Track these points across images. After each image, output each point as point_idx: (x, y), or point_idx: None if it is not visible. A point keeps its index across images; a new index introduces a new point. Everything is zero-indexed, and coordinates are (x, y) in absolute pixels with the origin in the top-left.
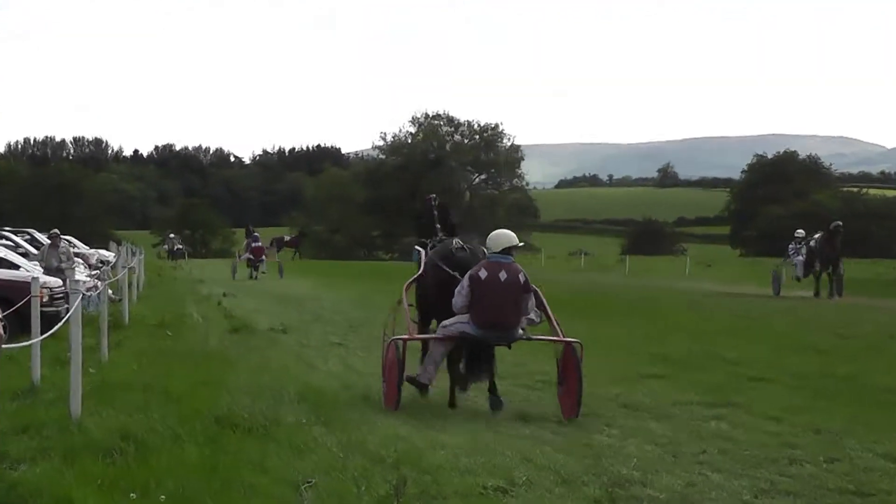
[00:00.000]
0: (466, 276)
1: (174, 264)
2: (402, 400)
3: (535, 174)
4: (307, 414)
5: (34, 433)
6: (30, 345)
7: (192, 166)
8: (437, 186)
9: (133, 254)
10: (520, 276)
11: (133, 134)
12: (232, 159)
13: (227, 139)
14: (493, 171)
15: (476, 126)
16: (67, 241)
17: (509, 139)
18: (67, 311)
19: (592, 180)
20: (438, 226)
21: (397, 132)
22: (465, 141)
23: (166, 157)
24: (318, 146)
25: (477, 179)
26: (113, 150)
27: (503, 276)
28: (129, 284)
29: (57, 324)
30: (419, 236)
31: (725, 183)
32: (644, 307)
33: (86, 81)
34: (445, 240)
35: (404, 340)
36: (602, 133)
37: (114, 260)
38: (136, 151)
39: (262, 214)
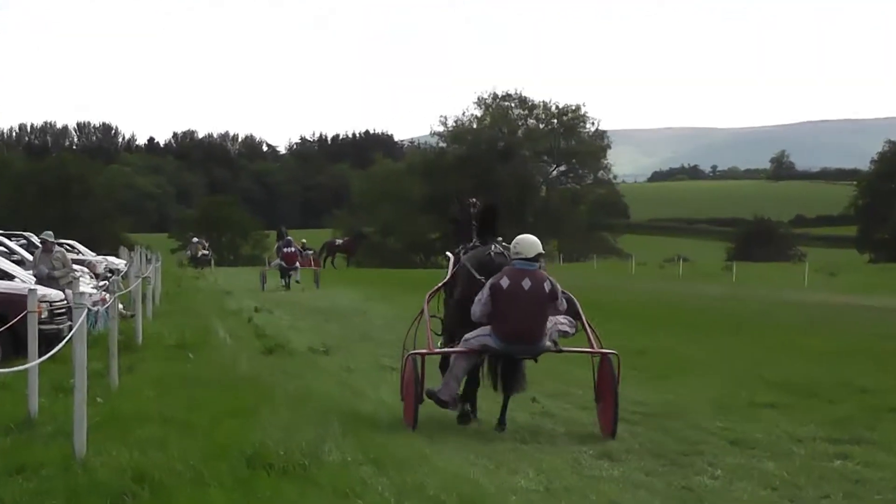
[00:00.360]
0: (487, 284)
1: (198, 273)
2: (467, 433)
3: (625, 165)
4: (354, 451)
5: (31, 474)
6: (26, 369)
7: (217, 157)
8: (507, 179)
9: (148, 261)
10: (545, 284)
11: (148, 120)
12: (265, 149)
13: (258, 126)
14: (573, 161)
15: (554, 108)
16: (69, 246)
17: (593, 123)
18: (70, 329)
19: (692, 172)
20: (475, 233)
21: (460, 115)
22: (541, 126)
23: (187, 147)
24: (367, 133)
25: (555, 171)
26: (124, 139)
27: (527, 284)
28: (144, 297)
29: (58, 344)
30: (456, 243)
31: (851, 175)
32: (754, 323)
33: (92, 60)
34: (481, 245)
35: (422, 355)
36: (704, 116)
37: (125, 268)
38: (151, 140)
39: (300, 214)
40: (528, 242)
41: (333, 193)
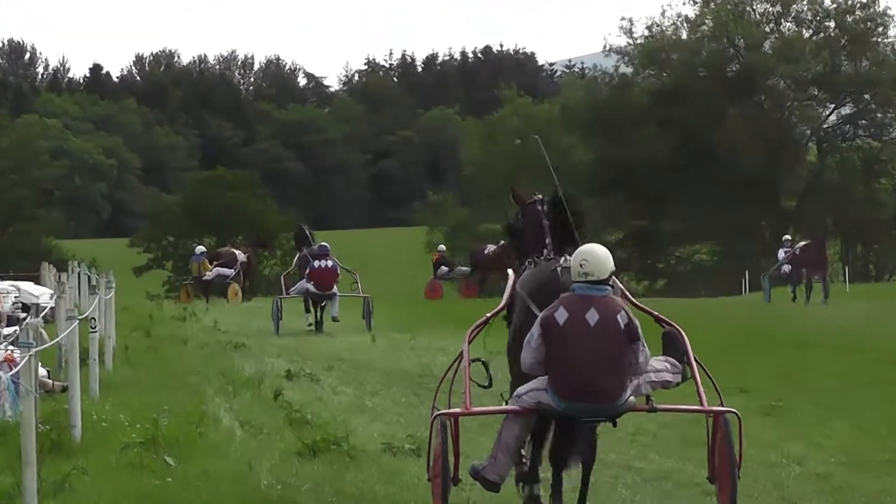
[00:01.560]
0: (538, 319)
1: (186, 309)
2: None
3: None
4: None
5: None
6: None
7: (218, 100)
8: (745, 132)
9: (93, 289)
10: (619, 316)
11: (89, 36)
12: (302, 83)
13: (289, 43)
14: (867, 97)
15: (828, 2)
16: None
17: None
18: None
19: None
20: (549, 241)
21: (658, 17)
22: (806, 34)
23: (161, 82)
24: (488, 51)
25: (833, 116)
26: (48, 68)
27: (593, 318)
28: (86, 355)
29: None
30: (517, 257)
31: None
32: None
33: None
34: (549, 259)
35: (455, 416)
36: None
37: (49, 303)
38: (96, 69)
39: (367, 200)
40: (597, 257)
41: (428, 161)
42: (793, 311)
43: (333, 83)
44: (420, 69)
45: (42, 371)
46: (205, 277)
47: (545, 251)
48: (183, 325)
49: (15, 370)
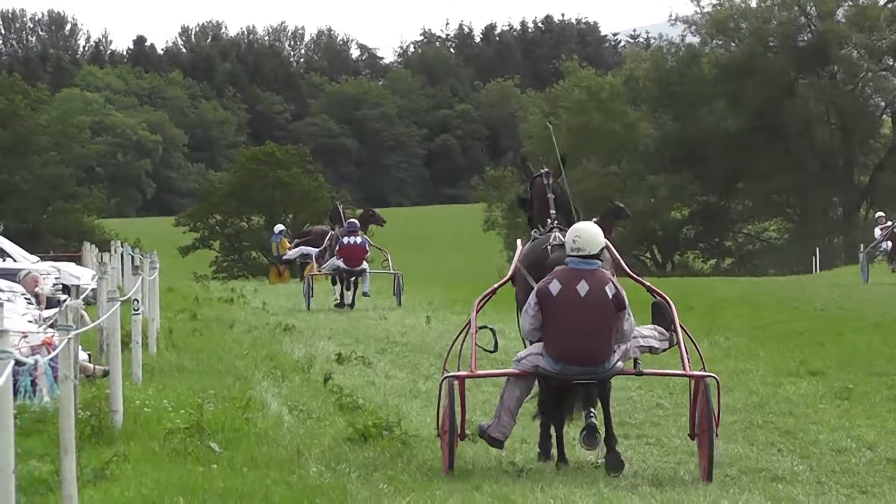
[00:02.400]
0: (534, 290)
1: (231, 291)
2: None
3: None
4: None
5: None
6: None
7: (266, 73)
8: (817, 106)
9: (136, 269)
10: (607, 288)
11: (131, 6)
12: (355, 54)
13: (340, 14)
14: None
15: None
16: None
17: None
18: None
19: None
20: (553, 212)
21: None
22: (881, 0)
23: (208, 55)
24: (549, 21)
25: None
26: (89, 40)
27: (583, 289)
28: (127, 338)
29: None
30: (529, 227)
31: None
32: None
33: None
34: (549, 231)
35: (461, 378)
36: None
37: (91, 284)
38: (140, 41)
39: (427, 176)
40: (589, 234)
41: (487, 136)
42: (868, 292)
43: (387, 55)
44: (478, 40)
45: (83, 355)
46: (285, 257)
47: (549, 221)
48: (230, 307)
49: (53, 354)
